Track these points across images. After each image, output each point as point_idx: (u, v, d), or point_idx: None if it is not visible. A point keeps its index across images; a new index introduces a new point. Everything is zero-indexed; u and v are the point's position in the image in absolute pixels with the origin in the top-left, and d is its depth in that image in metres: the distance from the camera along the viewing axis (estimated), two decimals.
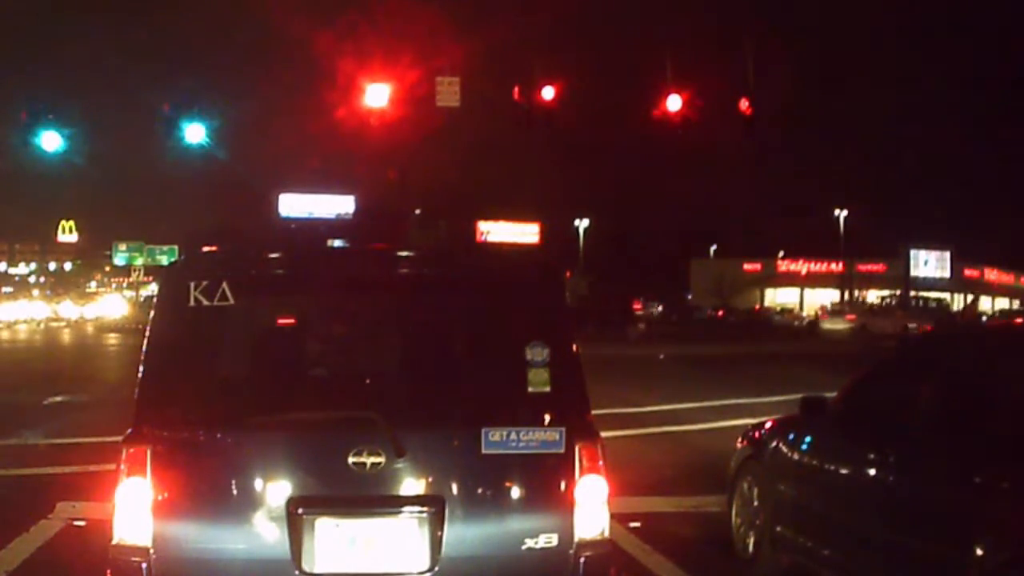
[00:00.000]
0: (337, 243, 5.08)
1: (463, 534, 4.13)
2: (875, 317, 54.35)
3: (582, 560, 4.20)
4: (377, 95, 21.48)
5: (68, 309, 72.00)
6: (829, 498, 6.04)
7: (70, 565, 6.72)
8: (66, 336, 48.83)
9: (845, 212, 79.69)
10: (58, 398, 16.95)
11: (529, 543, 4.16)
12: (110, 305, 71.22)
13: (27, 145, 21.31)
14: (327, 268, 4.63)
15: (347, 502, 4.15)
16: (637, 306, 48.84)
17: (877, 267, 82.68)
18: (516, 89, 21.09)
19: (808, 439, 6.48)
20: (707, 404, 16.90)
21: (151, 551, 4.03)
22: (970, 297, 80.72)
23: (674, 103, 21.33)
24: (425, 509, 4.13)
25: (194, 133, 21.69)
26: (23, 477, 9.81)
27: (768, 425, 7.37)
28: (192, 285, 4.26)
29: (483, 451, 4.15)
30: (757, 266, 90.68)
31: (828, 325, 57.24)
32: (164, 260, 62.39)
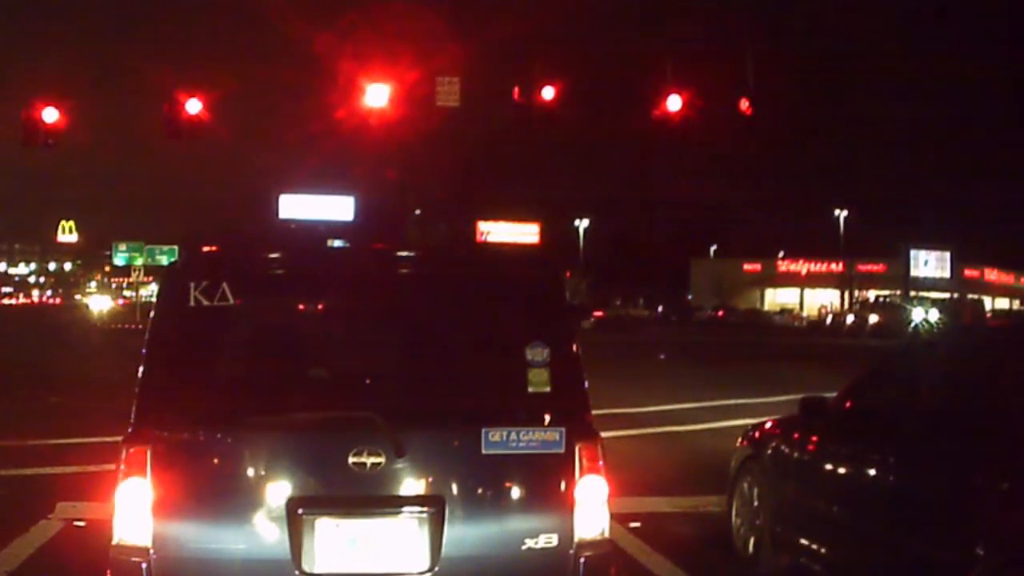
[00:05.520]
0: (337, 243, 5.08)
1: (463, 534, 4.13)
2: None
3: (582, 560, 4.20)
4: (377, 95, 21.48)
5: None
6: (829, 498, 6.03)
7: (70, 565, 6.72)
8: None
9: (845, 212, 79.74)
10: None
11: (529, 543, 4.16)
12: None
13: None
14: (327, 268, 4.63)
15: (347, 502, 4.15)
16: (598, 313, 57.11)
17: (877, 267, 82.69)
18: (516, 89, 21.08)
19: (808, 439, 6.47)
20: (707, 404, 16.91)
21: (151, 551, 4.03)
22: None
23: (674, 103, 21.33)
24: (425, 509, 4.13)
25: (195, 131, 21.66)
26: (23, 477, 9.81)
27: (768, 425, 7.37)
28: (192, 285, 4.26)
29: (483, 451, 4.15)
30: (757, 266, 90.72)
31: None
32: (164, 260, 62.43)
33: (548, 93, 20.97)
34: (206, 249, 4.72)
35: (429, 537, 4.11)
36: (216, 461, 4.14)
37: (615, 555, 4.57)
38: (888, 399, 5.99)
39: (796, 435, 6.65)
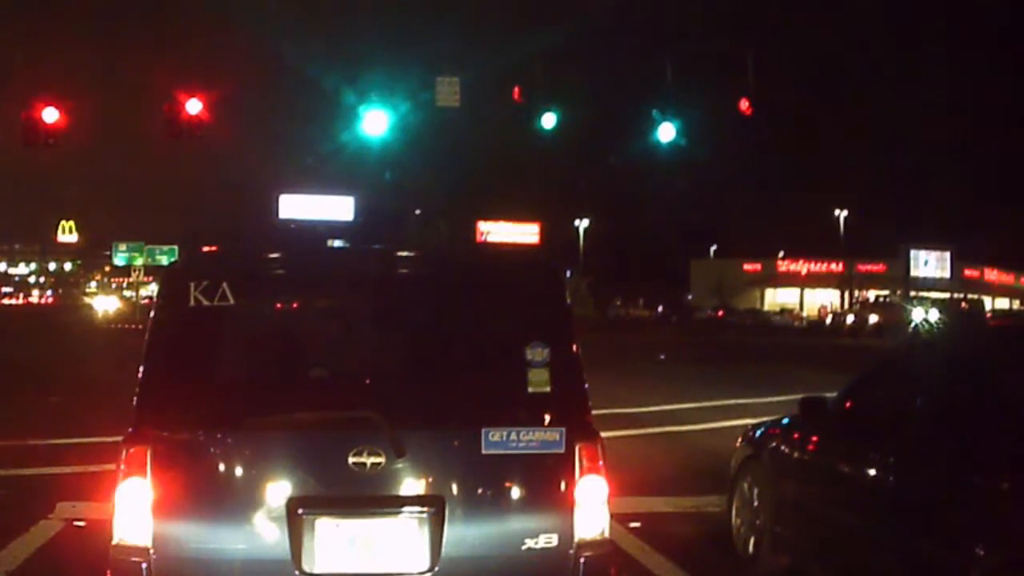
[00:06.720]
0: (337, 243, 5.09)
1: (463, 534, 4.13)
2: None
3: (582, 560, 4.20)
4: (376, 96, 21.47)
5: None
6: (829, 498, 6.04)
7: (70, 565, 6.72)
8: None
9: (845, 212, 79.75)
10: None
11: (529, 543, 4.17)
12: None
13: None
14: (327, 268, 4.64)
15: (347, 502, 4.15)
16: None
17: (877, 267, 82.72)
18: (516, 89, 21.09)
19: (808, 439, 6.47)
20: (707, 404, 16.91)
21: (151, 551, 4.03)
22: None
23: (674, 103, 21.35)
24: (425, 509, 4.13)
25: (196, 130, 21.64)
26: (23, 477, 9.81)
27: (768, 425, 7.38)
28: (192, 285, 4.27)
29: (483, 451, 4.16)
30: (757, 266, 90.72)
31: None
32: (164, 260, 62.52)
33: (546, 93, 21.00)
34: (206, 249, 4.72)
35: (429, 537, 4.11)
36: (216, 461, 4.14)
37: (615, 555, 4.57)
38: (888, 399, 5.98)
39: (796, 435, 6.66)
